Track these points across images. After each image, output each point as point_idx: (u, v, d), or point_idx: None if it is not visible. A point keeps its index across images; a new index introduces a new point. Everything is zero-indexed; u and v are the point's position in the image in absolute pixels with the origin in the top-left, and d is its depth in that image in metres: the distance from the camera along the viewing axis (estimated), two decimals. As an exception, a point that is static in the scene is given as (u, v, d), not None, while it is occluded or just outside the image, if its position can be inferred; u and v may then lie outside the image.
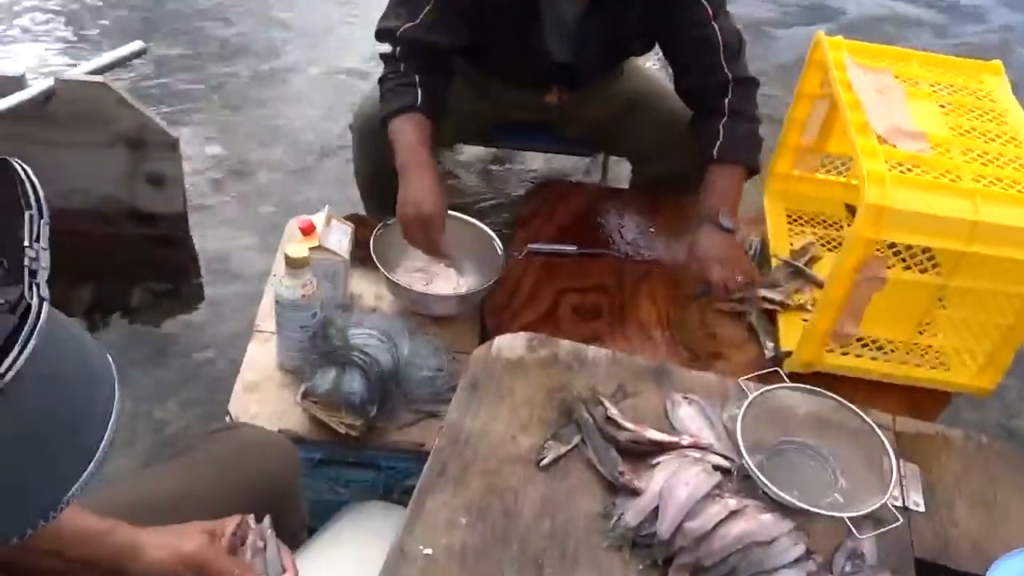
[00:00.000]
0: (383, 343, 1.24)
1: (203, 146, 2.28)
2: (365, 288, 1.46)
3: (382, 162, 1.45)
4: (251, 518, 0.74)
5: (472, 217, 1.49)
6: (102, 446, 0.46)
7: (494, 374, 1.05)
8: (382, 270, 1.38)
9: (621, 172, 2.27)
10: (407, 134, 1.39)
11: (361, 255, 1.41)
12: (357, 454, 1.24)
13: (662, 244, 1.56)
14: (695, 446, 0.96)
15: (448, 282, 1.47)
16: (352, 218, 1.44)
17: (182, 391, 1.69)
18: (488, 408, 1.00)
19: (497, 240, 1.46)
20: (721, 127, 1.43)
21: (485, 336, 1.35)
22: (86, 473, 0.46)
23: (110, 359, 0.51)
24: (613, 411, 0.99)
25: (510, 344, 1.09)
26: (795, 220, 1.59)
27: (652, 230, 1.62)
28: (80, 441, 0.46)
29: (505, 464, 0.94)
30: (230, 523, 0.73)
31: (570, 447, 0.97)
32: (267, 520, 0.75)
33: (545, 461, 0.95)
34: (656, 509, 0.88)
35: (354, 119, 1.62)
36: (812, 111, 1.51)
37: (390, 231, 1.43)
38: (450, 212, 1.46)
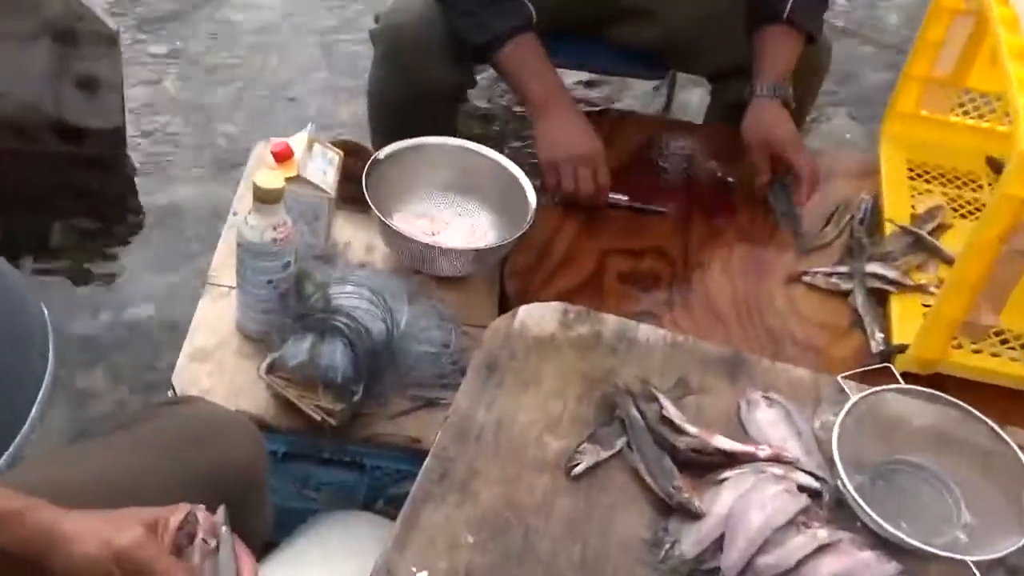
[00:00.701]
0: (374, 307, 1.24)
1: (145, 45, 2.32)
2: (353, 235, 1.48)
3: (415, 87, 1.54)
4: (201, 510, 0.73)
5: (498, 152, 1.50)
6: (32, 414, 0.46)
7: (516, 354, 1.06)
8: (376, 213, 1.38)
9: (691, 100, 2.25)
10: (531, 64, 1.50)
11: (350, 193, 1.43)
12: (334, 448, 1.25)
13: (744, 199, 1.59)
14: (776, 459, 0.96)
15: (461, 233, 1.48)
16: (341, 145, 1.45)
17: (112, 356, 1.71)
18: (508, 398, 1.01)
19: (526, 181, 1.46)
20: None
21: (506, 305, 1.37)
22: (14, 445, 0.45)
23: (45, 310, 0.51)
24: (671, 409, 1.00)
25: (539, 316, 1.10)
26: (919, 175, 1.58)
27: (731, 179, 1.62)
28: (8, 407, 0.45)
29: (527, 470, 0.95)
30: (176, 514, 0.72)
31: (611, 453, 0.97)
32: (222, 512, 0.73)
33: (579, 469, 0.95)
34: (721, 537, 0.88)
35: (379, 27, 1.62)
36: (950, 31, 1.50)
37: (390, 164, 1.45)
38: (466, 143, 1.49)
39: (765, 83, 1.52)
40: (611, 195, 1.52)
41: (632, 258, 1.46)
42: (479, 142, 1.51)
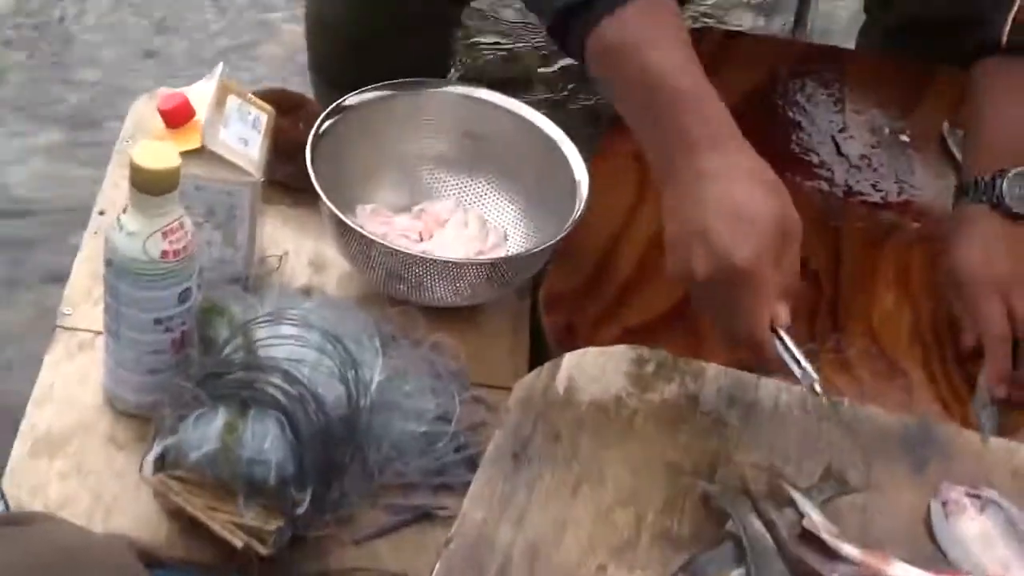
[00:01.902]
0: (328, 361, 1.24)
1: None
2: (294, 244, 1.50)
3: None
4: None
5: (523, 104, 1.53)
6: None
7: (560, 433, 1.07)
8: (329, 206, 1.38)
9: (835, 11, 2.23)
10: (667, 51, 1.24)
11: (288, 174, 1.46)
12: (267, 595, 1.23)
13: (926, 170, 1.59)
14: (993, 602, 0.95)
15: (466, 236, 1.50)
16: (272, 97, 1.47)
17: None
18: (547, 505, 1.02)
19: (572, 149, 1.49)
20: None
21: (541, 353, 1.38)
22: None
23: None
24: (815, 518, 0.99)
25: (596, 370, 1.12)
26: None
27: (906, 138, 1.63)
28: None
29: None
30: None
31: (722, 593, 0.97)
32: None
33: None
34: None
35: None
36: None
37: (350, 126, 1.48)
38: (473, 90, 1.53)
39: (984, 174, 1.41)
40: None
41: None
42: (496, 88, 1.54)
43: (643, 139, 1.27)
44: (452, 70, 1.89)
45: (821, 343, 1.40)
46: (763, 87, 1.66)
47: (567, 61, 2.15)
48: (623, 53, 1.24)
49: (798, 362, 1.15)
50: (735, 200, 1.16)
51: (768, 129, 1.59)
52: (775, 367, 1.18)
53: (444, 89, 1.53)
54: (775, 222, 1.16)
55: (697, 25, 2.23)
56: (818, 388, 1.13)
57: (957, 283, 1.39)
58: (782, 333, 1.16)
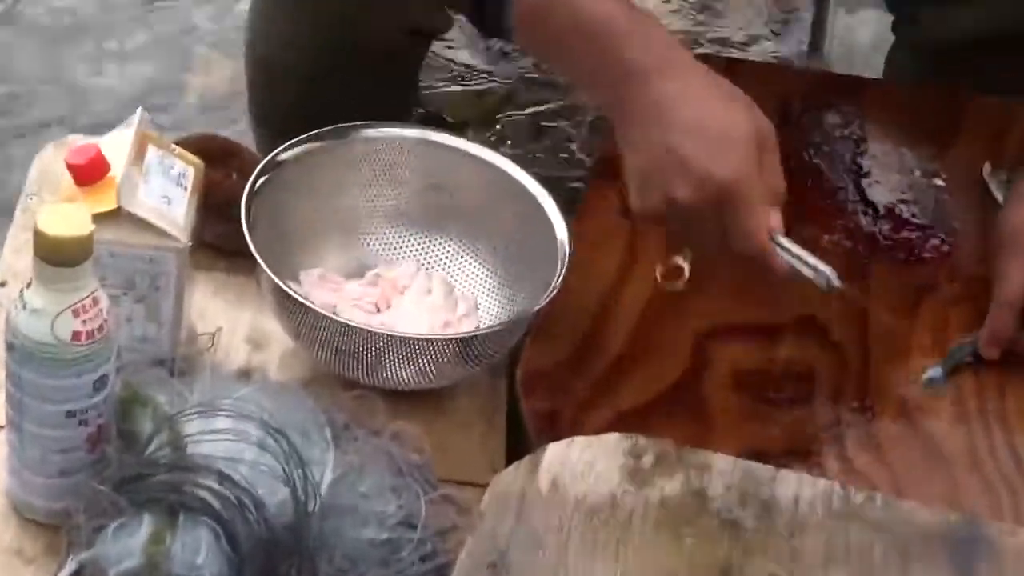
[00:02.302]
0: (271, 459, 1.23)
1: None
2: (229, 318, 1.51)
3: (336, 31, 1.60)
4: None
5: (494, 152, 1.56)
6: None
7: (543, 537, 1.07)
8: (269, 274, 1.38)
9: (856, 33, 2.26)
10: None
11: (220, 235, 1.47)
12: None
13: (964, 218, 1.59)
14: None
15: (430, 305, 1.51)
16: (200, 145, 1.49)
17: None
18: None
19: (550, 203, 1.50)
20: None
21: (521, 443, 1.39)
22: None
23: None
24: None
25: (585, 463, 1.12)
26: None
27: (941, 181, 1.64)
28: None
29: None
30: None
31: None
32: None
33: None
34: None
35: None
36: None
37: (294, 178, 1.49)
38: (435, 135, 1.55)
39: None
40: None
41: (760, 342, 1.48)
42: (459, 133, 1.57)
43: (591, 89, 1.42)
44: (413, 109, 1.90)
45: (847, 424, 1.40)
46: (773, 120, 1.64)
47: (536, 106, 2.21)
48: (551, 9, 1.35)
49: (807, 263, 1.31)
50: (702, 120, 1.30)
51: (782, 166, 1.60)
52: (785, 274, 1.32)
53: (402, 133, 1.53)
54: (748, 132, 1.31)
55: (700, 50, 2.26)
56: (837, 282, 1.31)
57: (997, 244, 1.48)
58: (783, 240, 1.31)
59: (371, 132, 1.53)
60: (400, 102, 1.72)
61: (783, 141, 1.61)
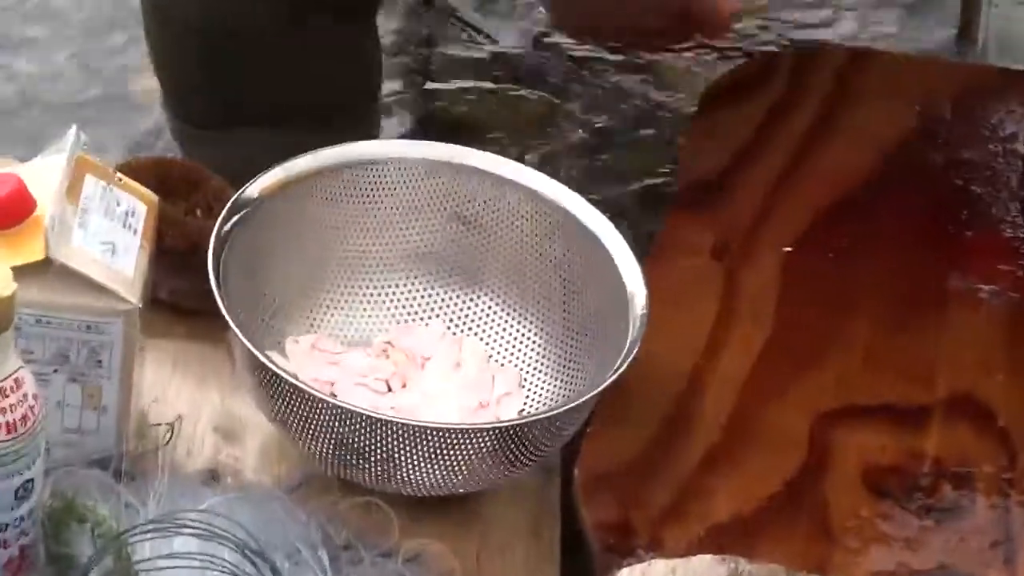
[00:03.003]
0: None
1: None
2: (190, 399, 1.51)
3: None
4: None
5: (539, 173, 1.57)
6: None
7: None
8: (243, 340, 1.37)
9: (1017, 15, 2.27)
10: None
11: (179, 290, 1.50)
12: None
13: None
14: None
15: (457, 382, 1.52)
16: (150, 172, 1.51)
17: None
18: None
19: (626, 253, 1.50)
20: None
21: (579, 567, 1.40)
22: None
23: None
24: None
25: None
26: None
27: None
28: None
29: None
30: None
31: None
32: None
33: None
34: None
35: None
36: None
37: (278, 213, 1.51)
38: (462, 157, 1.56)
39: None
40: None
41: (900, 428, 1.49)
42: (490, 147, 1.56)
43: None
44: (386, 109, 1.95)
45: (1019, 540, 1.39)
46: (914, 132, 1.68)
47: (595, 112, 2.23)
48: None
49: None
50: None
51: (924, 194, 1.63)
52: None
53: (415, 151, 1.55)
54: None
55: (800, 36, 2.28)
56: None
57: None
58: None
59: (372, 151, 1.54)
60: (352, 67, 1.75)
61: (928, 155, 1.61)
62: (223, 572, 1.24)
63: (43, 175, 1.35)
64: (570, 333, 1.51)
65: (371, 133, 1.72)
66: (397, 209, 1.54)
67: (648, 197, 1.97)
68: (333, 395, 1.41)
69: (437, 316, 1.55)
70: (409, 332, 1.54)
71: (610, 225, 1.50)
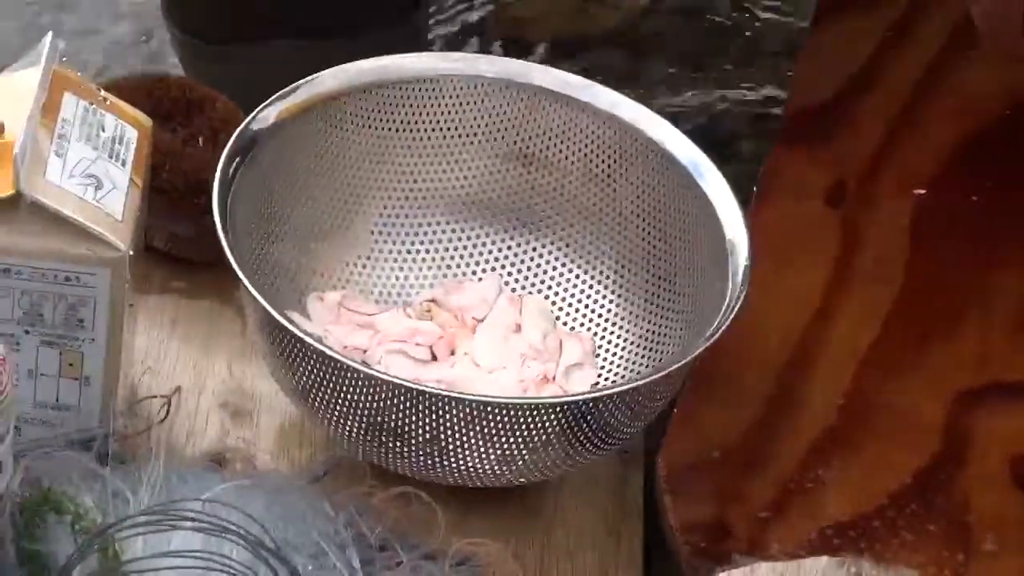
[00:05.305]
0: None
1: None
2: (192, 366, 1.51)
3: None
4: None
5: (618, 93, 1.55)
6: None
7: None
8: (255, 295, 1.35)
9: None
10: None
11: (177, 235, 1.51)
12: None
13: None
14: None
15: (515, 347, 1.51)
16: (143, 91, 1.52)
17: None
18: None
19: (726, 193, 1.48)
20: None
21: (662, 567, 1.42)
22: None
23: None
24: None
25: None
26: None
27: None
28: None
29: None
30: None
31: None
32: None
33: None
34: None
35: None
36: None
37: (292, 138, 1.49)
38: (526, 75, 1.55)
39: None
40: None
41: None
42: (558, 63, 1.57)
43: None
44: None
45: None
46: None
47: (683, 15, 2.25)
48: None
49: None
50: None
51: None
52: None
53: (460, 68, 1.54)
54: None
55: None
56: None
57: None
58: None
59: (415, 65, 1.52)
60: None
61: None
62: (230, 574, 1.21)
63: (11, 92, 1.31)
64: (655, 292, 1.49)
65: (415, 43, 1.69)
66: (445, 139, 1.51)
67: (755, 126, 1.92)
68: (365, 364, 1.35)
69: (492, 270, 1.54)
70: (458, 289, 1.52)
71: (706, 159, 1.45)
